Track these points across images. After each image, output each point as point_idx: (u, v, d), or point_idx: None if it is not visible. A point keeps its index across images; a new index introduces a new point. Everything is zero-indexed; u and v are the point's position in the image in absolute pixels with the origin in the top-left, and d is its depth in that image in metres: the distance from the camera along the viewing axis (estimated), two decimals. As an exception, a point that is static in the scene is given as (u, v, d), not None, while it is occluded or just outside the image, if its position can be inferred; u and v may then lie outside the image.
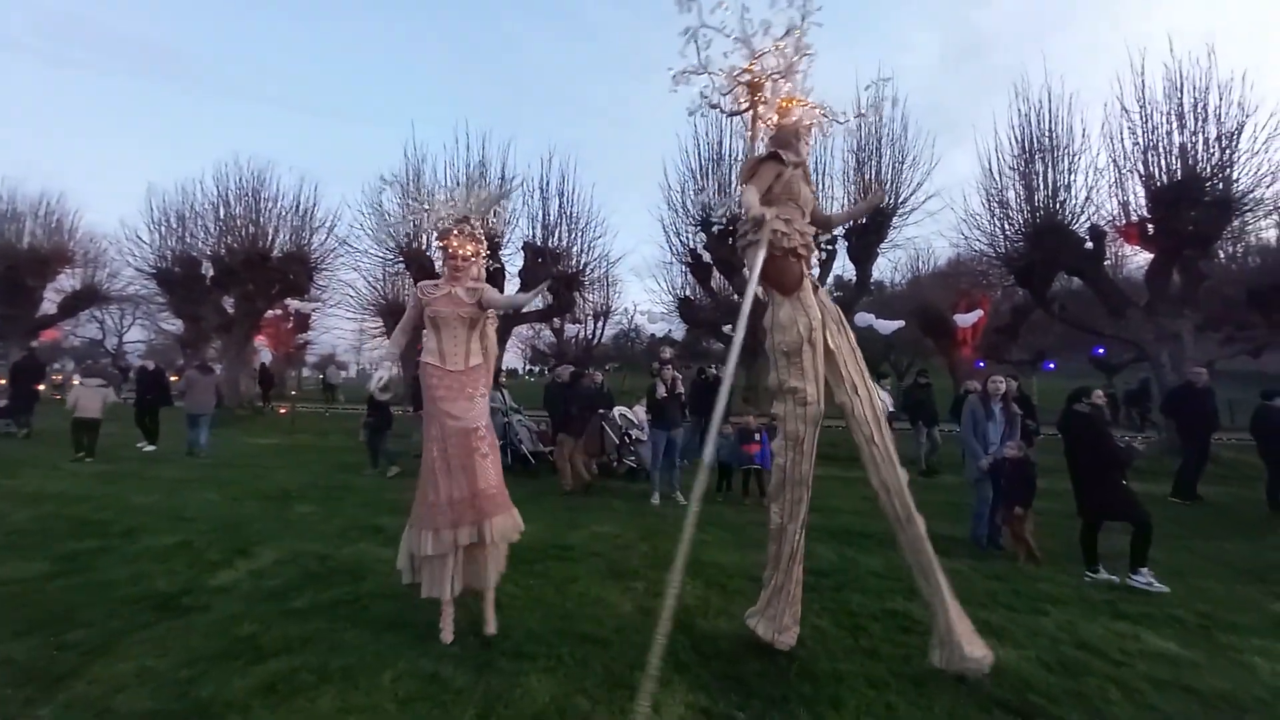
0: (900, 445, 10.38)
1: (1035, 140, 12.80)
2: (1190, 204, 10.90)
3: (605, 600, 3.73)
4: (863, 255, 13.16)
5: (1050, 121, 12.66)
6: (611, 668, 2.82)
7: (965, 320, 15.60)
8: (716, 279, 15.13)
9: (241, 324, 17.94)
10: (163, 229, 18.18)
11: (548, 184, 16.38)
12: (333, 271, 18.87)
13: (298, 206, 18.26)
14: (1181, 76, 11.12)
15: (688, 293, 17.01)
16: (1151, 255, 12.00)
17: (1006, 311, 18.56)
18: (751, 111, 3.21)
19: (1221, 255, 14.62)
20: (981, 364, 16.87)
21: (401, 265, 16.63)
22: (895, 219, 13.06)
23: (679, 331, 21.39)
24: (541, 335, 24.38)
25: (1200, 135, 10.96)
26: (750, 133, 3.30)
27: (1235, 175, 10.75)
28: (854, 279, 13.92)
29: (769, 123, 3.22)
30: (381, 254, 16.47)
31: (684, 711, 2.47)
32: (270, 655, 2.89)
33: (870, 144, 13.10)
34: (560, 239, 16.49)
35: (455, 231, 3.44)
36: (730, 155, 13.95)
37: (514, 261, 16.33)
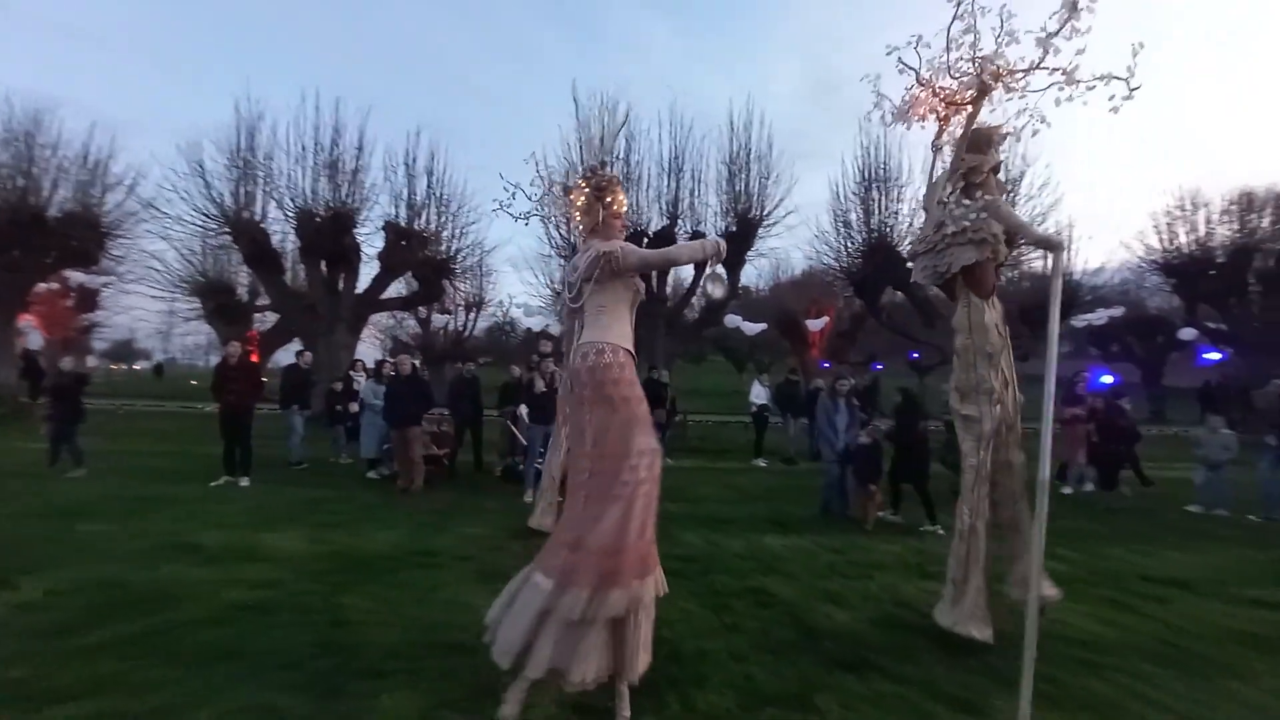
0: (771, 437, 11.15)
1: (874, 171, 14.81)
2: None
3: (474, 606, 3.54)
4: (733, 261, 14.10)
5: (885, 156, 14.71)
6: (481, 676, 2.69)
7: (814, 325, 17.49)
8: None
9: (4, 299, 14.17)
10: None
11: (414, 160, 15.14)
12: (133, 240, 15.69)
13: (86, 158, 14.87)
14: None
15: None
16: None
17: (847, 318, 21.10)
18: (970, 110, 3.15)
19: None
20: (826, 364, 19.02)
21: (228, 237, 14.24)
22: (761, 230, 14.17)
23: (558, 326, 21.15)
24: (405, 324, 22.56)
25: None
26: (962, 130, 3.21)
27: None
28: (727, 286, 14.88)
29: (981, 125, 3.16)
30: (200, 222, 13.93)
31: (554, 711, 2.44)
32: (50, 702, 2.31)
33: (741, 158, 14.07)
34: (428, 221, 15.36)
35: (616, 179, 2.66)
36: (613, 151, 14.05)
37: (373, 242, 14.83)
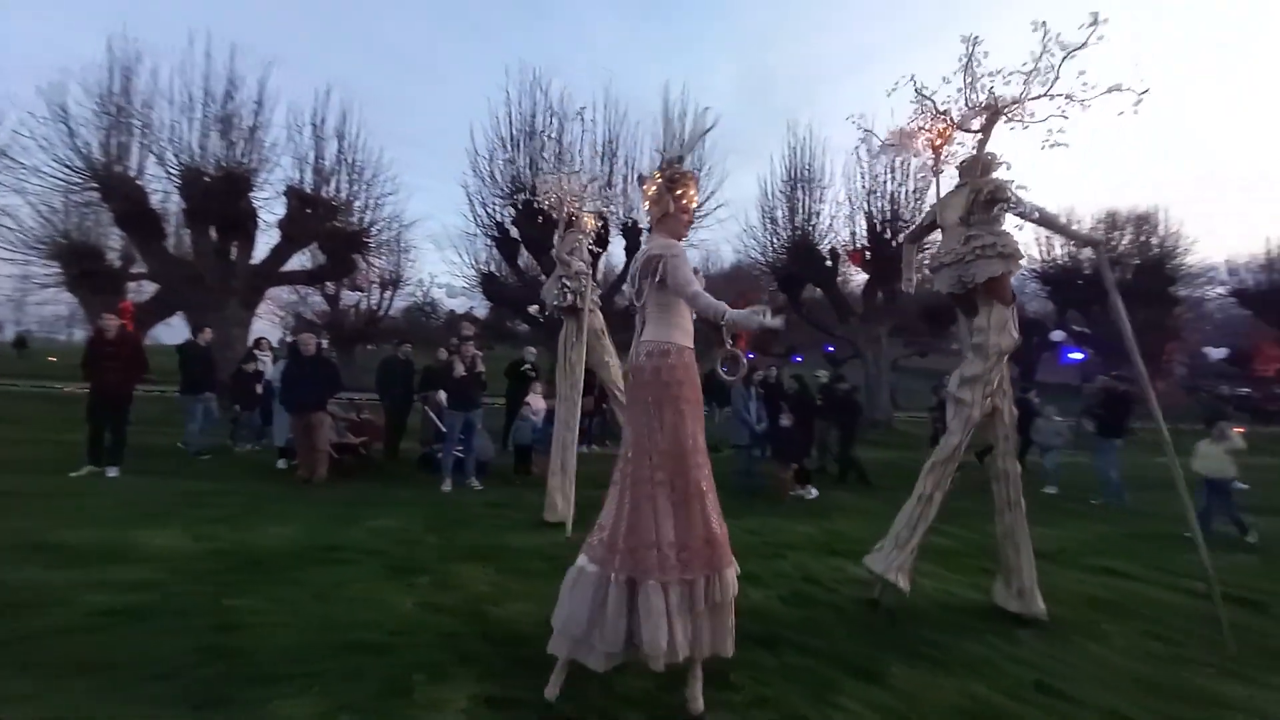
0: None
1: (799, 171, 15.42)
2: (894, 238, 14.29)
3: (382, 602, 3.36)
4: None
5: (810, 158, 15.35)
6: (388, 675, 2.55)
7: (740, 317, 18.05)
8: (524, 257, 14.71)
9: None
10: None
11: (323, 122, 13.91)
12: (-26, 193, 13.23)
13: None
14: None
15: (492, 268, 16.08)
16: (867, 276, 15.48)
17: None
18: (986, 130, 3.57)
19: (915, 281, 19.53)
20: (751, 355, 19.75)
21: (95, 194, 12.39)
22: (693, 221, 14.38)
23: (482, 309, 20.38)
24: (310, 301, 20.87)
25: (904, 187, 14.47)
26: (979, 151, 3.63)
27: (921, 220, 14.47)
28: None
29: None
30: (62, 175, 12.03)
31: (468, 704, 2.36)
32: None
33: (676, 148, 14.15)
34: (339, 189, 14.20)
35: (691, 175, 2.67)
36: (542, 129, 13.61)
37: (272, 208, 13.46)
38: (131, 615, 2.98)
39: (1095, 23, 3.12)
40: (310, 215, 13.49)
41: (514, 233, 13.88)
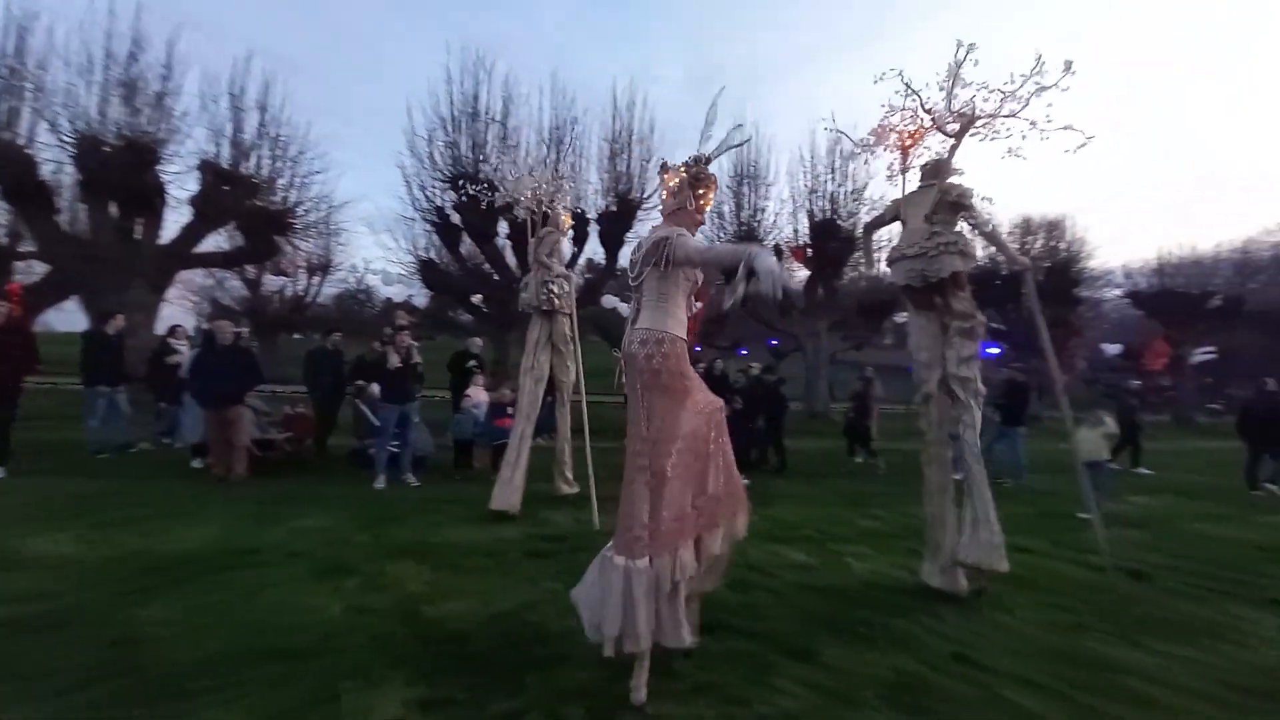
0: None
1: (745, 167, 15.70)
2: (833, 236, 14.86)
3: (308, 606, 3.17)
4: (612, 241, 14.10)
5: (756, 155, 15.66)
6: (314, 683, 2.40)
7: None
8: (466, 244, 14.22)
9: None
10: None
11: (242, 91, 12.87)
12: None
13: None
14: (837, 137, 14.98)
15: (432, 255, 15.42)
16: (809, 272, 16.02)
17: (718, 305, 22.39)
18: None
19: (846, 278, 20.30)
20: (699, 348, 20.03)
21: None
22: (640, 212, 14.35)
23: (422, 297, 19.58)
24: (227, 286, 19.33)
25: (844, 187, 15.04)
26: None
27: (859, 220, 15.05)
28: (603, 262, 14.85)
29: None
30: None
31: (398, 710, 2.26)
32: None
33: (624, 138, 14.03)
34: (259, 165, 13.22)
35: (714, 179, 2.71)
36: (486, 111, 13.15)
37: (185, 184, 12.35)
38: (25, 627, 2.70)
39: (1069, 70, 3.51)
40: (227, 192, 12.47)
41: (455, 219, 13.36)
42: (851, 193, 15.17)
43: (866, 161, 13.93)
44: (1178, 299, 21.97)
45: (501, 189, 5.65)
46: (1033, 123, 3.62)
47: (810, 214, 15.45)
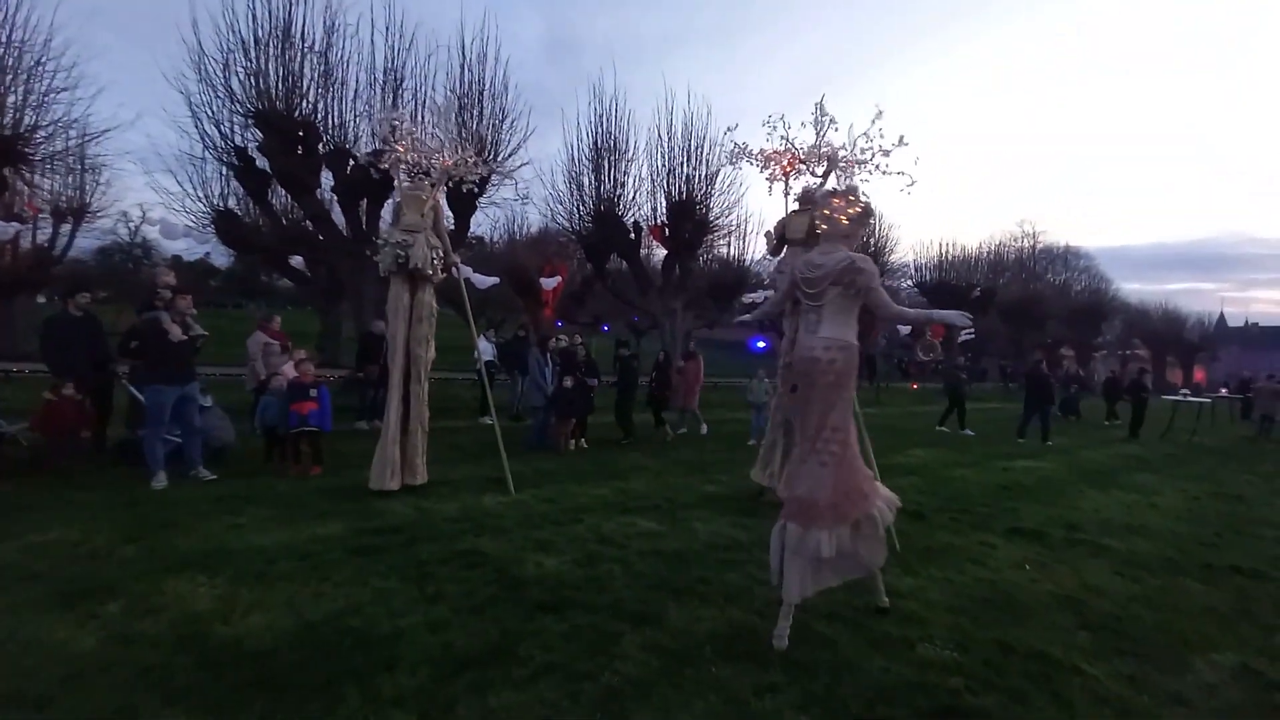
0: (499, 394, 10.94)
1: (605, 140, 15.50)
2: (688, 219, 15.44)
3: (50, 640, 2.47)
4: (463, 208, 13.06)
5: (615, 128, 15.53)
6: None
7: (548, 284, 17.76)
8: (280, 197, 12.06)
9: None
10: None
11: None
12: None
13: None
14: (691, 122, 15.47)
15: (233, 204, 12.86)
16: (666, 252, 16.52)
17: (579, 281, 22.13)
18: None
19: (701, 259, 21.36)
20: (560, 324, 19.71)
21: None
22: (494, 177, 13.46)
23: (223, 256, 16.42)
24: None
25: (698, 171, 15.59)
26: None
27: (711, 205, 15.80)
28: (452, 229, 13.72)
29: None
30: None
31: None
32: None
33: (474, 92, 12.92)
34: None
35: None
36: (302, 38, 11.03)
37: None
38: None
39: (879, 115, 4.41)
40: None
41: (263, 163, 11.19)
42: (706, 177, 15.78)
43: (732, 163, 14.75)
44: (951, 290, 26.76)
45: (378, 130, 5.47)
46: (876, 165, 4.55)
47: (667, 194, 15.81)
